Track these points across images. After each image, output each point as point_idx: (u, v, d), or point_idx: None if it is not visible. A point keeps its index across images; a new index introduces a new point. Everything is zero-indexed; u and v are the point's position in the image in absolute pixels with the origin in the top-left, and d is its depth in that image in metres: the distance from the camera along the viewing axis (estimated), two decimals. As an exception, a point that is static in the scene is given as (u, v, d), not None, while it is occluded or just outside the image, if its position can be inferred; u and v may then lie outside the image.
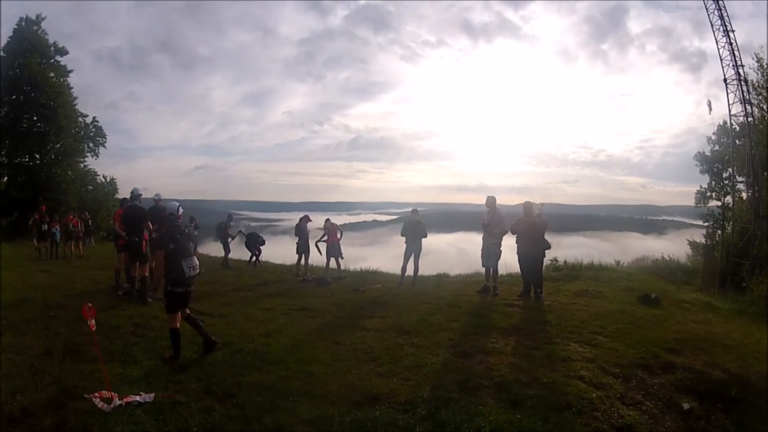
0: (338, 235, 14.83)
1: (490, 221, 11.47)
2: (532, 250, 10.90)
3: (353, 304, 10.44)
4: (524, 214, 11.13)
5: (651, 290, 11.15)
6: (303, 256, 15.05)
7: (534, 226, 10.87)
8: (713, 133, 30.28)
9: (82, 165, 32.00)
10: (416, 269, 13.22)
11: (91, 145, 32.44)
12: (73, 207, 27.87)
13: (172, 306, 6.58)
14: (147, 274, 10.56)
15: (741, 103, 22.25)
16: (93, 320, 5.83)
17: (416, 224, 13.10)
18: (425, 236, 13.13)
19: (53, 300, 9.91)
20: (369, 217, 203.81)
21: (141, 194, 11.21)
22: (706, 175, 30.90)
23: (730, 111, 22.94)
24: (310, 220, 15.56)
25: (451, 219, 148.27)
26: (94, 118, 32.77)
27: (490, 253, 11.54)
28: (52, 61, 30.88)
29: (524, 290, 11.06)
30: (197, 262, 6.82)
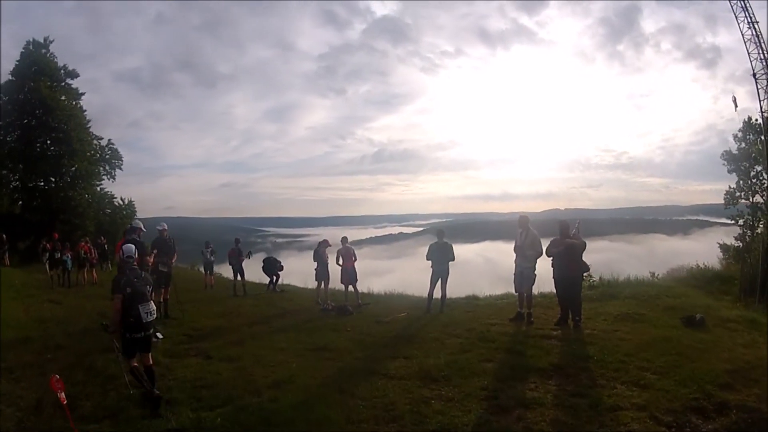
0: (353, 259, 13.93)
1: (523, 242, 10.54)
2: (569, 273, 9.93)
3: (375, 340, 9.52)
4: (560, 234, 10.16)
5: (693, 308, 10.44)
6: (323, 282, 14.15)
7: (571, 247, 9.90)
8: (739, 130, 28.40)
9: (98, 188, 31.67)
10: (444, 295, 12.27)
11: (107, 167, 32.13)
12: (90, 231, 27.49)
13: (129, 352, 6.36)
14: (161, 300, 10.73)
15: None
16: (62, 393, 5.47)
17: (442, 247, 12.16)
18: (453, 260, 12.19)
19: (54, 340, 9.33)
20: (395, 229, 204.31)
21: (140, 227, 10.42)
22: (734, 174, 28.95)
23: (762, 106, 21.64)
24: (330, 245, 14.56)
25: (477, 229, 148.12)
26: (109, 140, 32.51)
27: (524, 277, 10.59)
28: (63, 84, 30.72)
29: (561, 318, 10.08)
30: (154, 307, 6.59)
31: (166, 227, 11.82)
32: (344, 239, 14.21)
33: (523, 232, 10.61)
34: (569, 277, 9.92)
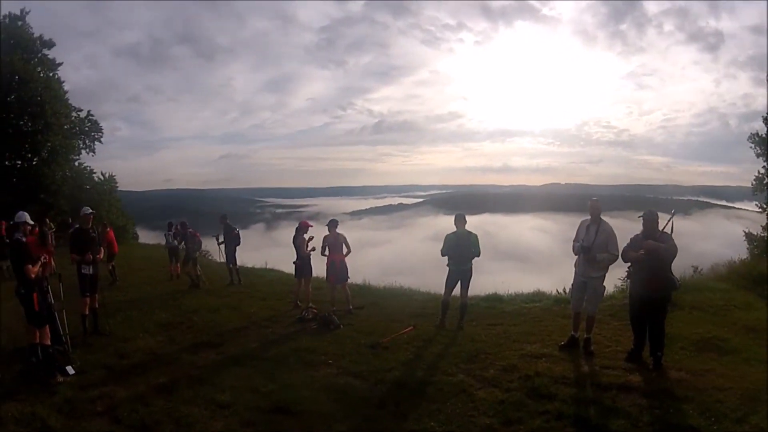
0: (344, 251, 10.34)
1: (594, 241, 7.31)
2: (653, 291, 6.71)
3: (367, 392, 6.27)
4: (643, 230, 6.90)
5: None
6: (302, 280, 10.88)
7: (656, 250, 6.59)
8: None
9: (76, 163, 29.19)
10: (464, 306, 9.07)
11: (87, 141, 29.68)
12: (64, 210, 24.78)
13: None
14: (87, 312, 8.50)
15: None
16: None
17: (464, 238, 8.85)
18: (478, 255, 8.95)
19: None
20: (395, 200, 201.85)
21: (90, 213, 8.80)
22: (761, 159, 26.07)
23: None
24: (309, 228, 10.95)
25: (477, 201, 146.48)
26: (88, 112, 29.91)
27: (592, 291, 7.48)
28: (39, 55, 28.09)
29: (635, 350, 7.04)
30: None
31: (91, 211, 8.90)
32: (333, 223, 10.34)
33: (592, 223, 7.43)
34: (650, 295, 6.73)
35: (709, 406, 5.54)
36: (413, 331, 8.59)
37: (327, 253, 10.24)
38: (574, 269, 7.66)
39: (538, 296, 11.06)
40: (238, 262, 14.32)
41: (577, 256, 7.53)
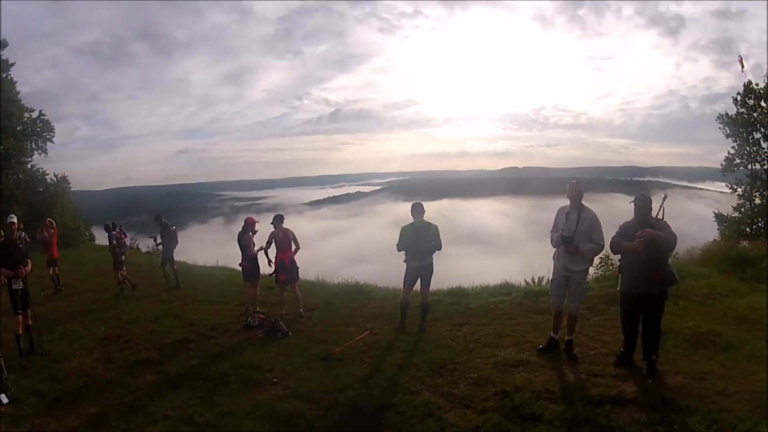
0: (292, 248, 9.19)
1: (576, 229, 6.26)
2: (647, 286, 5.72)
3: (318, 418, 5.19)
4: (635, 215, 5.93)
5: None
6: (249, 284, 9.57)
7: (655, 240, 5.61)
8: (738, 93, 25.32)
9: (29, 165, 27.13)
10: (426, 306, 7.95)
11: (39, 142, 27.38)
12: (18, 215, 22.76)
13: None
14: (20, 332, 7.54)
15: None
16: None
17: (422, 231, 7.71)
18: (439, 248, 7.80)
19: None
20: (352, 189, 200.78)
21: (13, 222, 7.84)
22: (730, 139, 26.03)
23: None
24: (256, 227, 9.56)
25: (435, 187, 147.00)
26: (40, 112, 27.70)
27: (576, 287, 6.46)
28: None
29: (625, 353, 6.10)
30: None
31: (15, 221, 7.94)
32: (278, 218, 9.11)
33: (573, 209, 6.41)
34: (647, 292, 5.75)
35: (715, 417, 4.79)
36: (370, 336, 7.50)
37: (274, 252, 9.06)
38: (552, 262, 6.64)
39: (506, 288, 10.04)
40: (176, 261, 12.95)
41: (556, 248, 6.51)
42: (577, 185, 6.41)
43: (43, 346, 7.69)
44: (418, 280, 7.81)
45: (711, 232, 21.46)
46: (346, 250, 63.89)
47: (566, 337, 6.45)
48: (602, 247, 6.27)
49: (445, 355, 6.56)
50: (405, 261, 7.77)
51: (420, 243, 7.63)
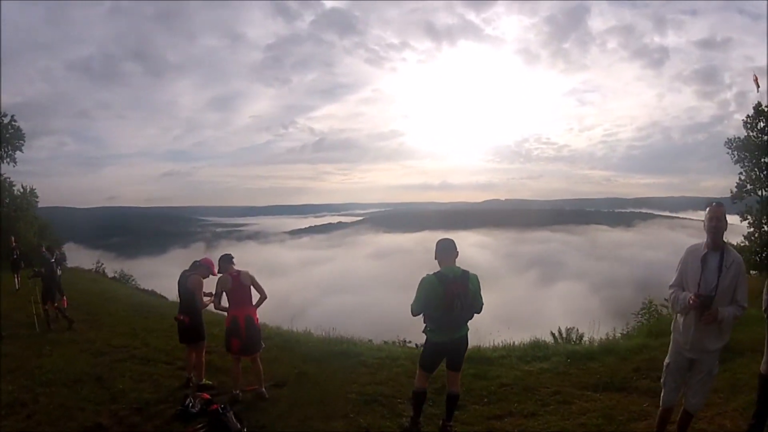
0: (252, 300, 6.16)
1: (719, 286, 3.72)
2: None
3: None
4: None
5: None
6: (194, 351, 6.61)
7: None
8: (747, 116, 23.75)
9: None
10: (454, 398, 4.95)
11: (8, 149, 25.19)
12: None
13: None
14: None
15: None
16: None
17: (458, 284, 4.59)
18: (480, 310, 4.80)
19: None
20: (334, 219, 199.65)
21: None
22: (738, 166, 24.69)
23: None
24: (211, 270, 6.47)
25: (417, 218, 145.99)
26: (12, 117, 25.40)
27: (705, 375, 3.93)
28: None
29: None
30: None
31: None
32: (226, 259, 6.20)
33: (712, 255, 3.80)
34: None
35: None
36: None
37: (225, 304, 6.07)
38: (672, 336, 3.97)
39: (540, 350, 7.41)
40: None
41: (682, 315, 3.89)
42: (720, 208, 3.77)
43: None
44: (444, 360, 4.87)
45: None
46: (327, 280, 61.95)
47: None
48: (745, 311, 3.76)
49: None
50: (425, 331, 4.81)
51: (453, 307, 4.58)
